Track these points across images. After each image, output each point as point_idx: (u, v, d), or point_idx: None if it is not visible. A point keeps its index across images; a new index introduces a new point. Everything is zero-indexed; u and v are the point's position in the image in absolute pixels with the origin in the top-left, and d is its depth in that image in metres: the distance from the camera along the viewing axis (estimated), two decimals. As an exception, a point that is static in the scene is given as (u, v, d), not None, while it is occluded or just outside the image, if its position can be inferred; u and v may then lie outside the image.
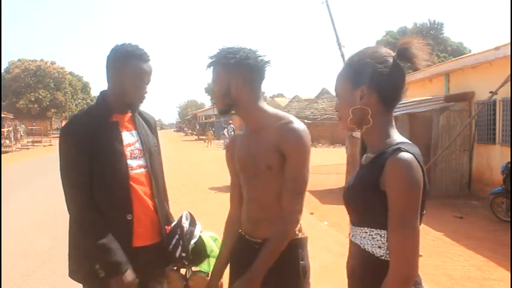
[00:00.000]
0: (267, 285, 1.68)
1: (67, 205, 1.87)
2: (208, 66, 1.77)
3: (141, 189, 1.94)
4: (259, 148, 1.73)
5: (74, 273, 1.93)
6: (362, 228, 1.36)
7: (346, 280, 1.49)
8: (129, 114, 2.03)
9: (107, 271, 1.80)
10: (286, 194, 1.69)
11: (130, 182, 1.90)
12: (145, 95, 1.99)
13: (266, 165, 1.71)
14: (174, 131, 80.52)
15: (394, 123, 1.40)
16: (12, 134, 31.73)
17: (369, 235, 1.33)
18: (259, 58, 1.75)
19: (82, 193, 1.84)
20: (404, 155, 1.25)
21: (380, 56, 1.36)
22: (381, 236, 1.30)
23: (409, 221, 1.22)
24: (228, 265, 1.92)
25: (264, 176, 1.73)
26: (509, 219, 6.82)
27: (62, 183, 1.88)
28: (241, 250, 1.85)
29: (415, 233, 1.23)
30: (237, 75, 1.71)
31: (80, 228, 1.85)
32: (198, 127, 39.68)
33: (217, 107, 1.82)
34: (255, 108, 1.77)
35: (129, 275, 1.80)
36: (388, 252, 1.28)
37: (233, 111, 1.81)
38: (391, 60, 1.35)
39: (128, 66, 1.91)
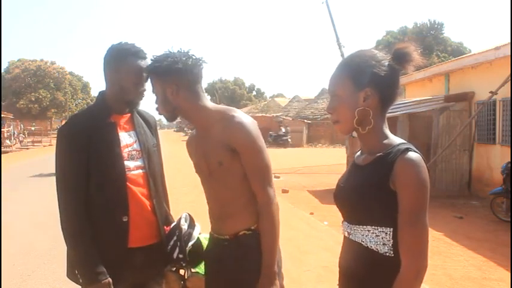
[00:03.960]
0: (236, 281, 1.75)
1: (58, 207, 1.87)
2: (146, 79, 1.82)
3: (139, 190, 1.93)
4: (209, 146, 1.77)
5: (70, 274, 1.94)
6: (364, 227, 1.37)
7: (338, 277, 1.50)
8: (128, 115, 2.02)
9: (84, 280, 1.83)
10: (256, 187, 1.74)
11: (127, 183, 1.90)
12: (145, 93, 1.99)
13: (218, 162, 1.74)
14: (174, 130, 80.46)
15: (387, 123, 1.44)
16: (15, 134, 31.78)
17: (372, 233, 1.35)
18: (190, 59, 1.75)
19: (73, 198, 1.84)
20: (414, 155, 1.31)
21: (380, 58, 1.39)
22: (386, 233, 1.33)
23: (420, 218, 1.28)
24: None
25: (217, 173, 1.76)
26: (509, 219, 6.82)
27: (56, 185, 1.88)
28: (212, 249, 1.89)
29: (426, 229, 1.29)
30: (170, 82, 1.74)
31: (64, 234, 1.86)
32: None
33: (163, 115, 1.85)
34: (196, 108, 1.78)
35: (106, 285, 1.80)
36: (392, 248, 1.32)
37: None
38: (388, 63, 1.39)
39: (125, 64, 1.91)
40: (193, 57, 1.77)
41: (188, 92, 1.76)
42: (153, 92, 1.81)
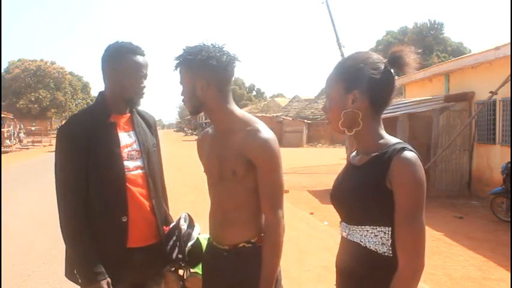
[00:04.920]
0: None
1: (57, 207, 1.86)
2: (175, 68, 1.74)
3: (138, 191, 1.93)
4: (226, 152, 1.71)
5: (69, 274, 1.94)
6: (363, 227, 1.38)
7: (336, 278, 1.50)
8: (128, 115, 2.02)
9: (83, 280, 1.83)
10: (266, 205, 1.68)
11: (127, 184, 1.89)
12: (144, 90, 1.98)
13: (231, 170, 1.69)
14: (174, 131, 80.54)
15: (382, 125, 1.45)
16: (15, 134, 31.75)
17: (371, 233, 1.36)
18: (224, 56, 1.69)
19: (72, 198, 1.84)
20: (410, 154, 1.32)
21: (373, 61, 1.41)
22: (384, 233, 1.34)
23: (417, 217, 1.29)
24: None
25: (228, 181, 1.71)
26: (509, 219, 6.82)
27: (55, 185, 1.88)
28: (210, 257, 1.85)
29: (423, 228, 1.30)
30: (201, 76, 1.67)
31: (63, 234, 1.86)
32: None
33: (187, 108, 1.81)
34: (223, 110, 1.73)
35: (104, 285, 1.80)
36: (391, 248, 1.32)
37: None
38: (382, 66, 1.40)
39: (124, 62, 1.91)
40: (228, 54, 1.70)
41: (218, 91, 1.70)
42: (181, 83, 1.75)
